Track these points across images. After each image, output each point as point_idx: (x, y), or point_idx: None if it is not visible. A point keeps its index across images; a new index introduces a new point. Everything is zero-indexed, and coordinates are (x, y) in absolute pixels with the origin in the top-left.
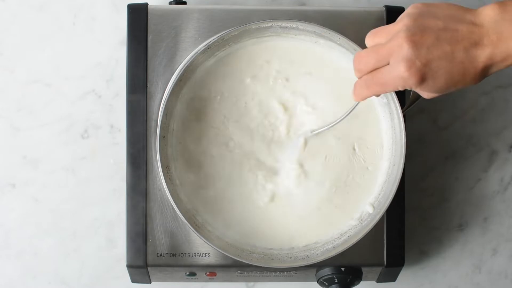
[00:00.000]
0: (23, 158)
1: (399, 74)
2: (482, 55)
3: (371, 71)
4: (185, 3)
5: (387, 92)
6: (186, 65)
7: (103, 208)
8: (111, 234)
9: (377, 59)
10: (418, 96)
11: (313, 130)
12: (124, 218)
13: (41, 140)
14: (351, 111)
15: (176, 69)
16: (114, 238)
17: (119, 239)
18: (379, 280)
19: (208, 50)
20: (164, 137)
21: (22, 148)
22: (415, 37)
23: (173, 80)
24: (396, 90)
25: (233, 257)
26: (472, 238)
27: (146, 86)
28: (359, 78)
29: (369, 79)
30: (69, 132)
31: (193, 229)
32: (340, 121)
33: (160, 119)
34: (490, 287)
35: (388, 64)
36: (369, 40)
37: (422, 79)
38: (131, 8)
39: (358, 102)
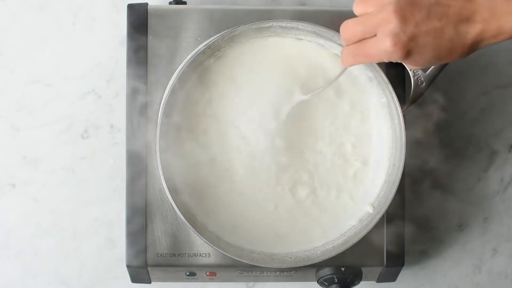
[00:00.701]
0: (23, 158)
1: (385, 48)
2: (472, 32)
3: (358, 41)
4: (185, 3)
5: (372, 62)
6: (186, 65)
7: (103, 208)
8: (111, 234)
9: (364, 30)
10: (418, 96)
11: (309, 92)
12: (124, 218)
13: (41, 140)
14: (340, 75)
15: (176, 69)
16: (114, 238)
17: (119, 239)
18: (379, 280)
19: (208, 50)
20: (164, 137)
21: (22, 148)
22: (405, 11)
23: (173, 80)
24: (381, 62)
25: (233, 257)
26: (472, 238)
27: (146, 86)
28: (346, 46)
29: (355, 48)
30: (69, 132)
31: (193, 229)
32: (331, 84)
33: (160, 119)
34: (490, 287)
35: (375, 35)
36: (358, 7)
37: (408, 54)
38: (131, 8)
39: (346, 68)
